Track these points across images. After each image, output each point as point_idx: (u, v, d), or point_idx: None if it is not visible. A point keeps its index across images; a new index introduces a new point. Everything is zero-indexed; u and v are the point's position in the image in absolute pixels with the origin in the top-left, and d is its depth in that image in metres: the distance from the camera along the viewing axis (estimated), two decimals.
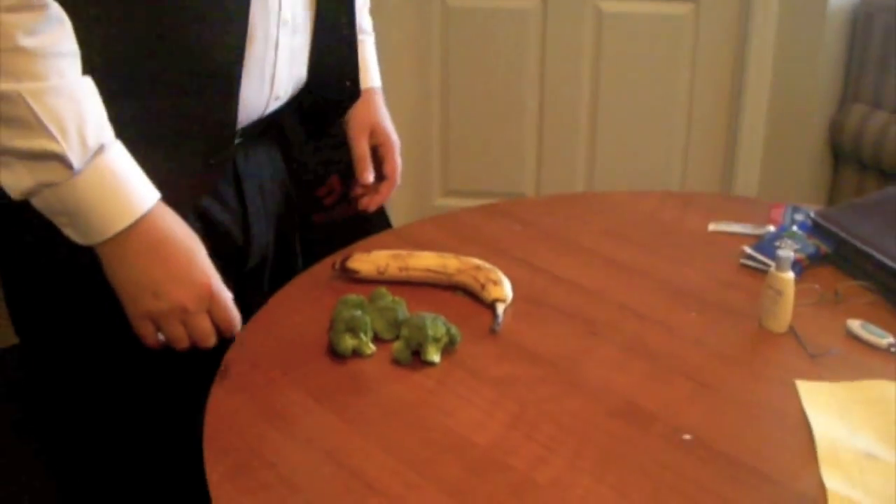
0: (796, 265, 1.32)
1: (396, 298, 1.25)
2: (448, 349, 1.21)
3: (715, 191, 3.02)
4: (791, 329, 1.26)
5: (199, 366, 1.25)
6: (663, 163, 3.04)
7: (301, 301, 1.33)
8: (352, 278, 1.37)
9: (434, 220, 1.58)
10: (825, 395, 1.13)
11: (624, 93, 2.97)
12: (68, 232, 1.10)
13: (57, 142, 1.03)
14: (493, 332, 1.26)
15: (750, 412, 1.10)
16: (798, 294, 1.26)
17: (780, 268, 1.25)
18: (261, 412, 1.11)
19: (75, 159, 1.04)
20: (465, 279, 1.34)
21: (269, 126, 1.38)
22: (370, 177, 1.50)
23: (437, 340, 1.19)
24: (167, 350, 1.19)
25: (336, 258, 1.41)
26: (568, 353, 1.22)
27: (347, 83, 1.46)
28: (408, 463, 1.01)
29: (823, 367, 1.19)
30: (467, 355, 1.21)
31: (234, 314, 1.18)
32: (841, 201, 2.82)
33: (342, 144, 1.53)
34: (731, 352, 1.22)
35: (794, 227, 1.49)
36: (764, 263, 1.41)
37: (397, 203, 2.91)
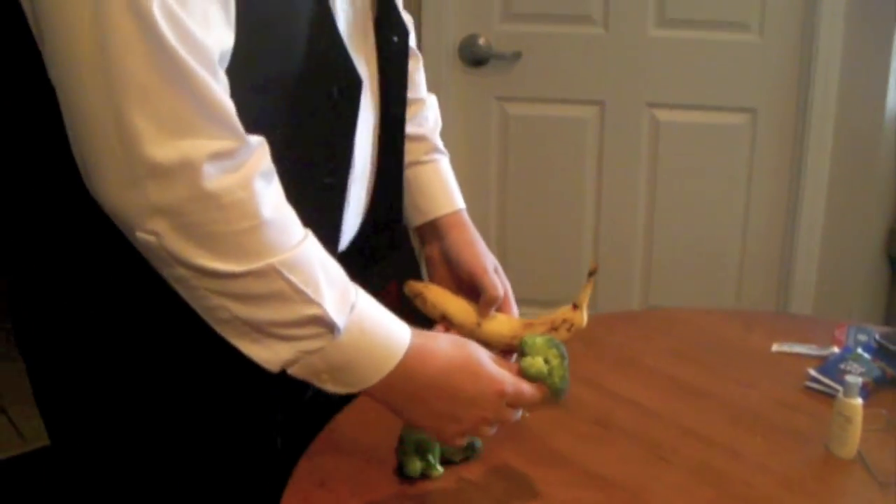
0: (862, 389, 1.32)
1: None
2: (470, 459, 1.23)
3: (770, 301, 3.00)
4: (859, 455, 1.25)
5: (263, 480, 1.27)
6: (718, 273, 3.03)
7: (370, 416, 1.33)
8: (411, 305, 1.37)
9: None
10: None
11: (680, 203, 2.98)
12: (328, 386, 1.07)
13: (319, 305, 1.01)
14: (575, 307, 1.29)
15: None
16: (865, 419, 1.26)
17: (848, 394, 1.25)
18: None
19: (338, 319, 1.03)
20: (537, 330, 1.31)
21: None
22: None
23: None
24: (219, 456, 1.20)
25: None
26: (634, 477, 1.22)
27: (393, 231, 1.46)
28: None
29: (893, 496, 1.18)
30: (535, 478, 1.21)
31: (528, 391, 1.16)
32: None
33: (396, 251, 1.52)
34: (798, 478, 1.22)
35: (859, 349, 1.49)
36: (829, 387, 1.41)
37: None
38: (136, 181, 0.94)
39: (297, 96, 1.14)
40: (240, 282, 0.98)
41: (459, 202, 1.51)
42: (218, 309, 1.01)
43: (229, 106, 0.97)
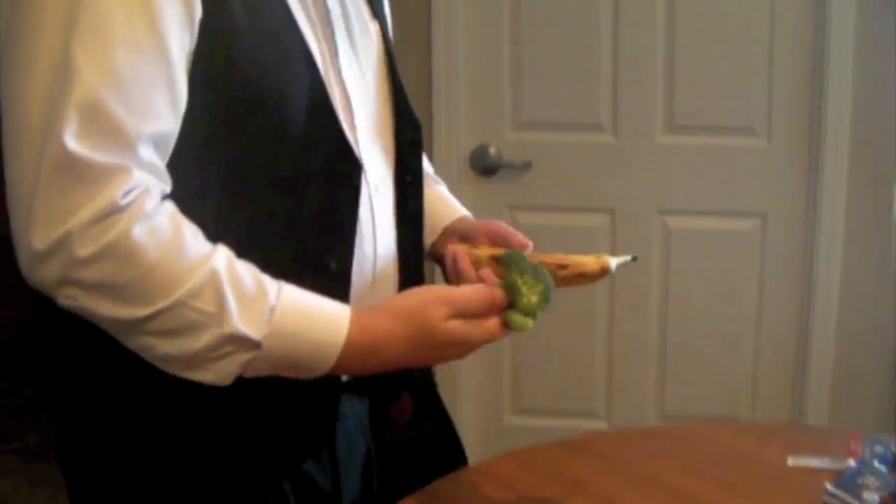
0: None
1: (535, 263, 1.26)
2: None
3: (785, 407, 2.98)
4: None
5: None
6: (732, 380, 3.01)
7: None
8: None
9: (512, 456, 1.57)
10: None
11: (692, 311, 2.98)
12: (296, 375, 1.12)
13: (229, 324, 1.05)
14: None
15: None
16: None
17: None
18: None
19: (254, 330, 1.06)
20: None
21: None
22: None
23: None
24: None
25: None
26: None
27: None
28: None
29: None
30: None
31: (492, 337, 1.20)
32: None
33: None
34: None
35: (875, 462, 1.48)
36: (847, 502, 1.40)
37: (467, 421, 2.92)
38: (34, 261, 1.02)
39: (296, 178, 1.19)
40: (155, 322, 1.04)
41: (465, 211, 1.56)
42: (150, 348, 1.06)
43: (115, 172, 1.02)
